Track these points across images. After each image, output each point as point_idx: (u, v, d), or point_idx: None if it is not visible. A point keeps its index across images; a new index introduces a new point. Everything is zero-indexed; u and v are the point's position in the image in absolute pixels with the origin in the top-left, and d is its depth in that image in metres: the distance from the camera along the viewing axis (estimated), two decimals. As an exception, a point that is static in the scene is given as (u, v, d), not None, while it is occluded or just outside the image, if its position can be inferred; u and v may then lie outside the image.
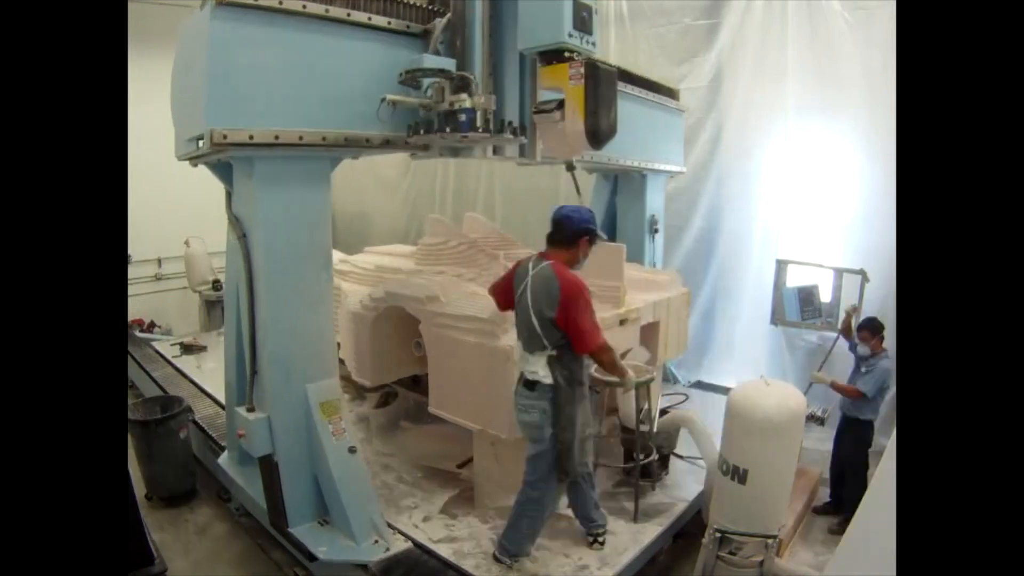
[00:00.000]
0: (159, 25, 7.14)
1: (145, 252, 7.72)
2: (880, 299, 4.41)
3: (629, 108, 4.00)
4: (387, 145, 2.84)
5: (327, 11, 2.58)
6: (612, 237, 5.15)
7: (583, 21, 2.67)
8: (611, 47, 6.06)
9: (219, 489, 4.26)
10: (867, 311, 4.28)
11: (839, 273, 4.43)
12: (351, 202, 9.31)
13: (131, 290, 7.70)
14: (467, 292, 3.66)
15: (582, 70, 2.64)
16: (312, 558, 2.84)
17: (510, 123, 2.81)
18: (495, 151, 3.05)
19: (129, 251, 7.59)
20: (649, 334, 4.07)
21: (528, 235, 5.85)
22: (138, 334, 7.12)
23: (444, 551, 2.90)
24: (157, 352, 6.07)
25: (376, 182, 8.66)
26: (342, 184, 9.78)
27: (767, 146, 5.18)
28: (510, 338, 3.05)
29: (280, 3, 2.46)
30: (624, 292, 3.80)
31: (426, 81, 2.67)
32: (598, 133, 2.72)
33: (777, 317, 4.75)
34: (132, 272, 7.69)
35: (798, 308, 4.64)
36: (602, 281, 3.82)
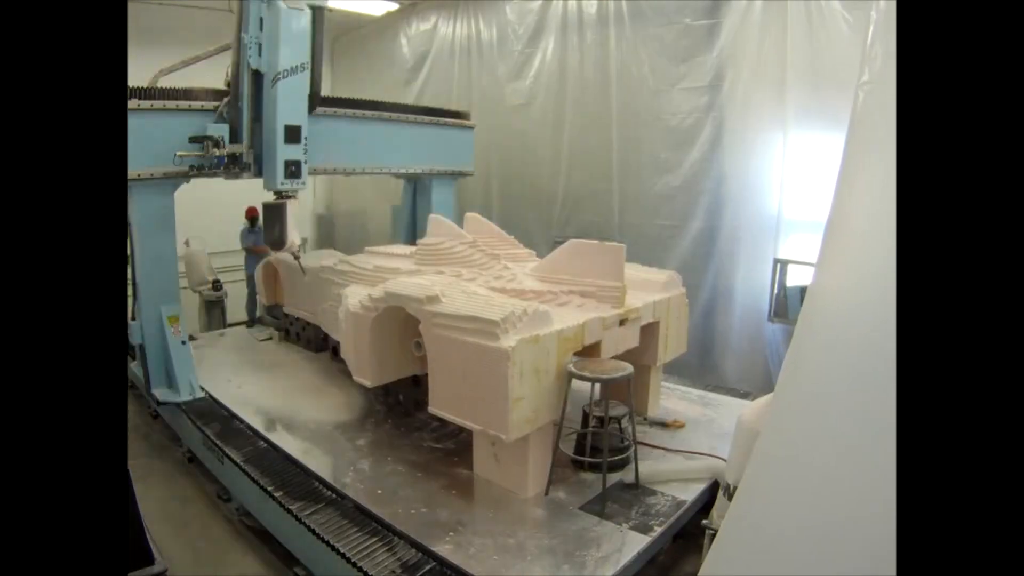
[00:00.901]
0: (159, 25, 7.17)
1: (145, 252, 7.71)
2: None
3: (415, 132, 6.23)
4: (192, 176, 4.72)
5: (165, 105, 4.54)
6: (414, 232, 6.56)
7: (291, 173, 4.64)
8: (611, 47, 6.08)
9: (218, 490, 4.27)
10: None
11: (839, 273, 4.43)
12: (350, 203, 9.32)
13: (131, 290, 7.69)
14: (467, 292, 3.67)
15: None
16: (160, 403, 4.91)
17: (247, 164, 4.67)
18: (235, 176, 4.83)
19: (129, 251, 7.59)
20: (649, 334, 4.08)
21: (527, 235, 5.86)
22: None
23: (441, 549, 2.91)
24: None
25: (373, 181, 8.68)
26: (342, 185, 9.84)
27: (767, 146, 5.17)
28: (510, 338, 3.06)
29: (151, 105, 4.47)
30: (624, 292, 3.80)
31: (205, 140, 4.51)
32: (268, 243, 5.19)
33: (777, 315, 4.75)
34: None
35: (800, 307, 4.64)
36: (602, 281, 3.82)
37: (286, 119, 4.51)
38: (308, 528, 3.12)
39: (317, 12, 4.63)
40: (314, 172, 5.07)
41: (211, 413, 4.60)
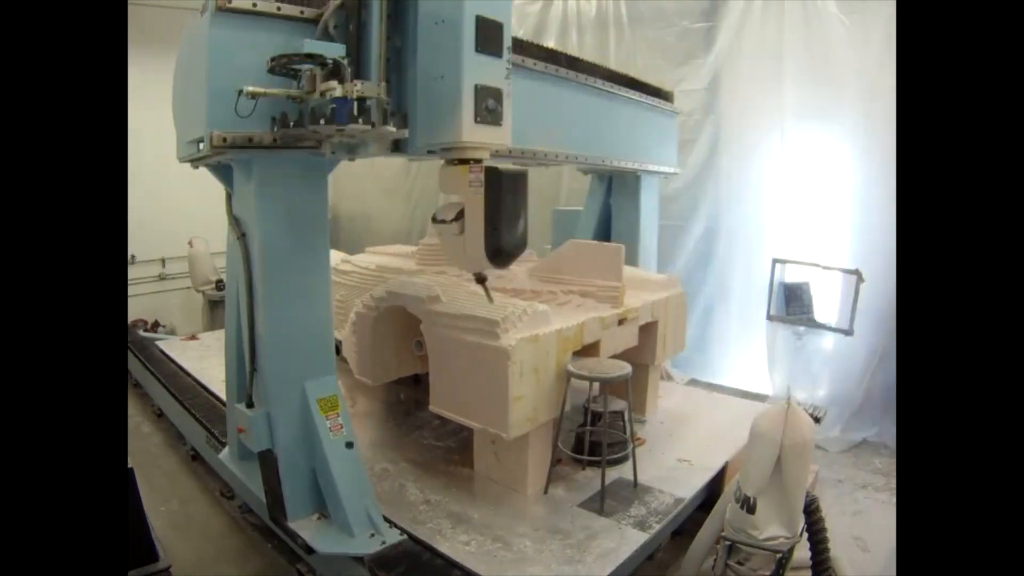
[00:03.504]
0: (163, 28, 7.20)
1: (149, 252, 7.78)
2: (877, 298, 4.45)
3: (624, 111, 4.38)
4: (283, 140, 2.56)
5: (320, 14, 2.54)
6: (607, 238, 5.18)
7: (488, 112, 2.44)
8: (611, 49, 6.13)
9: (221, 488, 4.30)
10: (863, 310, 4.32)
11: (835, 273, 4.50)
12: (353, 203, 9.35)
13: (135, 290, 7.74)
14: (468, 292, 3.70)
15: (482, 177, 2.41)
16: (310, 551, 2.90)
17: (395, 112, 2.48)
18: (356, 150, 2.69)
19: (133, 251, 7.64)
20: (647, 334, 4.11)
21: (528, 235, 5.88)
22: (142, 333, 7.18)
23: (441, 546, 2.91)
24: (161, 350, 6.11)
25: (377, 183, 8.72)
26: (344, 185, 9.86)
27: (765, 147, 5.23)
28: (510, 338, 3.09)
29: (279, 9, 2.48)
30: (623, 292, 3.84)
31: (304, 64, 2.32)
32: (500, 252, 2.51)
33: (775, 313, 4.81)
34: (136, 272, 7.74)
35: (783, 304, 4.72)
36: (601, 281, 3.86)
37: (480, 6, 2.41)
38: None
39: None
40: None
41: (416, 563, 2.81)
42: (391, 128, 2.43)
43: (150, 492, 4.21)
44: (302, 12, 2.54)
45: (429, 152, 2.71)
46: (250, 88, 2.30)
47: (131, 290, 7.70)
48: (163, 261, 7.99)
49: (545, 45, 3.93)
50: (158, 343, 6.32)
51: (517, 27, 7.08)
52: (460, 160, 2.52)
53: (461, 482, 3.56)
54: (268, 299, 2.81)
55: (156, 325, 7.84)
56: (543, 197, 7.23)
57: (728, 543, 2.82)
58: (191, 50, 2.69)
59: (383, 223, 9.25)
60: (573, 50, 6.49)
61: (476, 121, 2.42)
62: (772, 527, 2.75)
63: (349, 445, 2.99)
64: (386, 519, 3.01)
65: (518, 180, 2.53)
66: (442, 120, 2.48)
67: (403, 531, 2.97)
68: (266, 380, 2.89)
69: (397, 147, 2.71)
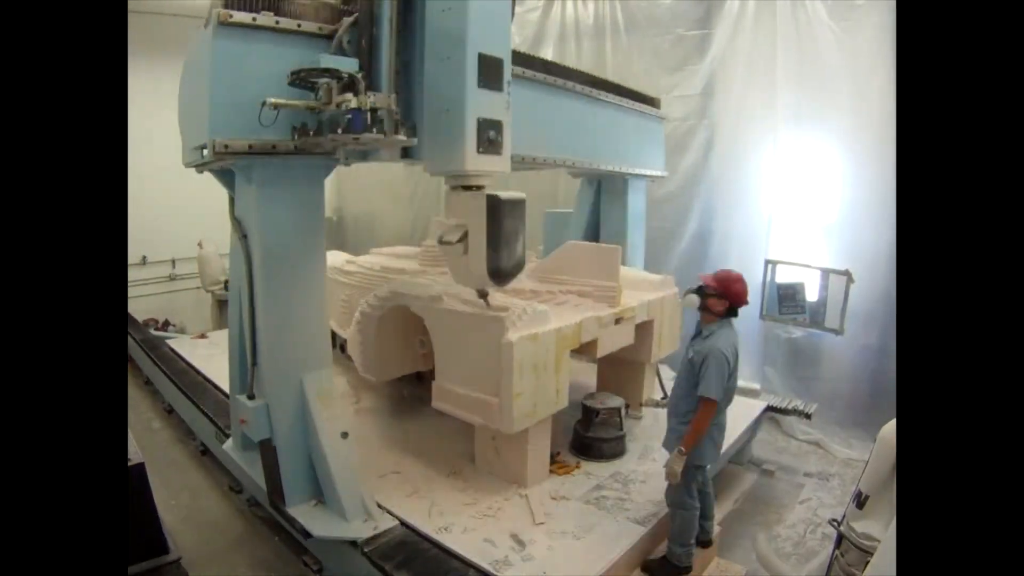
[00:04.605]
0: (174, 36, 7.34)
1: (160, 253, 7.93)
2: (866, 298, 4.54)
3: (610, 116, 4.50)
4: (300, 147, 2.72)
5: (320, 28, 2.72)
6: (596, 238, 5.31)
7: (490, 143, 2.60)
8: (607, 56, 6.25)
9: (230, 482, 4.40)
10: (853, 310, 4.41)
11: (825, 273, 4.60)
12: (358, 205, 9.46)
13: (146, 290, 7.90)
14: (470, 292, 3.80)
15: (484, 203, 2.61)
16: (307, 535, 3.03)
17: (405, 122, 2.64)
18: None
19: (145, 253, 7.80)
20: (643, 332, 4.22)
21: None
22: (153, 332, 7.30)
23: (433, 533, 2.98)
24: (171, 349, 6.22)
25: (382, 185, 8.83)
26: (350, 187, 9.99)
27: (758, 152, 5.34)
28: (510, 336, 3.17)
29: (277, 23, 2.62)
30: (620, 292, 3.94)
31: (321, 77, 2.50)
32: (499, 272, 2.70)
33: (768, 313, 4.91)
34: (147, 272, 7.90)
35: (777, 304, 4.81)
36: (599, 281, 3.96)
37: (481, 44, 2.55)
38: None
39: None
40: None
41: (413, 552, 2.88)
42: (401, 137, 2.62)
43: (161, 486, 4.29)
44: (299, 26, 2.67)
45: (433, 175, 2.89)
46: (273, 99, 2.45)
47: (142, 290, 7.86)
48: (173, 262, 8.14)
49: (536, 54, 3.97)
50: (168, 341, 6.43)
51: (516, 34, 7.20)
52: (464, 187, 2.71)
53: (462, 477, 3.64)
54: (267, 296, 2.93)
55: (166, 324, 7.98)
56: (541, 199, 7.18)
57: (838, 532, 2.83)
58: (196, 61, 2.82)
59: (387, 225, 9.36)
60: (571, 56, 6.63)
61: (479, 151, 2.58)
62: (872, 528, 2.78)
63: (344, 435, 3.11)
64: (380, 506, 3.13)
65: (516, 206, 2.70)
66: (448, 150, 2.62)
67: (396, 518, 3.08)
68: (266, 373, 3.01)
69: (406, 153, 2.86)
